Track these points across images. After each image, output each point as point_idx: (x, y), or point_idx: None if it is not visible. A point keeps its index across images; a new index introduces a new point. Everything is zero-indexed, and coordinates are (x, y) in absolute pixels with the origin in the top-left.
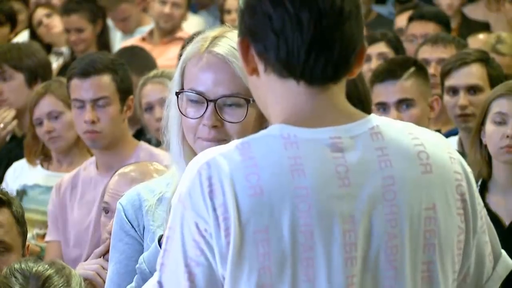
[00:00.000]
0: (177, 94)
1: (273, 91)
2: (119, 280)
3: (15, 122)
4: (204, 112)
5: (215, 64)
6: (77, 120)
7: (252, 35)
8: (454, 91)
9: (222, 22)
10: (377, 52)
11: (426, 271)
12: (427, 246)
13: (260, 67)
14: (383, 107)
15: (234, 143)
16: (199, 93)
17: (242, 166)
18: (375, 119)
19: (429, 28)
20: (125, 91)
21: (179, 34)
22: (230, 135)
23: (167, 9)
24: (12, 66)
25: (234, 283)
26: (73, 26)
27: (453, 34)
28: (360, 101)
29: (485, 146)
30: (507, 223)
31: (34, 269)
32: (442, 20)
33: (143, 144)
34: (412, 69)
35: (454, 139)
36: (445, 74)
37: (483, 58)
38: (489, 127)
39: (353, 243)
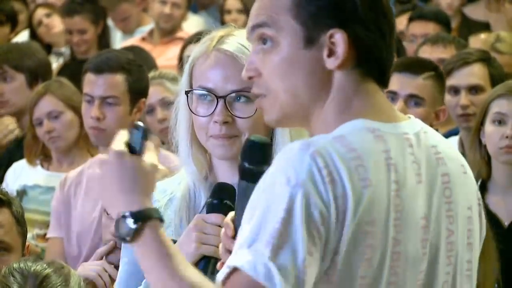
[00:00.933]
0: (186, 93)
1: (350, 86)
2: (128, 279)
3: (17, 131)
4: (215, 109)
5: (223, 61)
6: (85, 115)
7: (370, 29)
8: (455, 90)
9: (222, 22)
10: None
11: (468, 269)
12: (468, 245)
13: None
14: (392, 96)
15: (326, 136)
16: (208, 90)
17: (348, 158)
18: (416, 120)
19: (429, 28)
20: (137, 92)
21: (179, 34)
22: (241, 131)
23: (167, 9)
24: (13, 67)
25: (344, 274)
26: (76, 28)
27: (453, 34)
28: None
29: (485, 146)
30: (506, 223)
31: (32, 268)
32: (442, 20)
33: None
34: (432, 73)
35: (454, 139)
36: (446, 74)
37: (485, 58)
38: (489, 127)
39: (426, 239)
